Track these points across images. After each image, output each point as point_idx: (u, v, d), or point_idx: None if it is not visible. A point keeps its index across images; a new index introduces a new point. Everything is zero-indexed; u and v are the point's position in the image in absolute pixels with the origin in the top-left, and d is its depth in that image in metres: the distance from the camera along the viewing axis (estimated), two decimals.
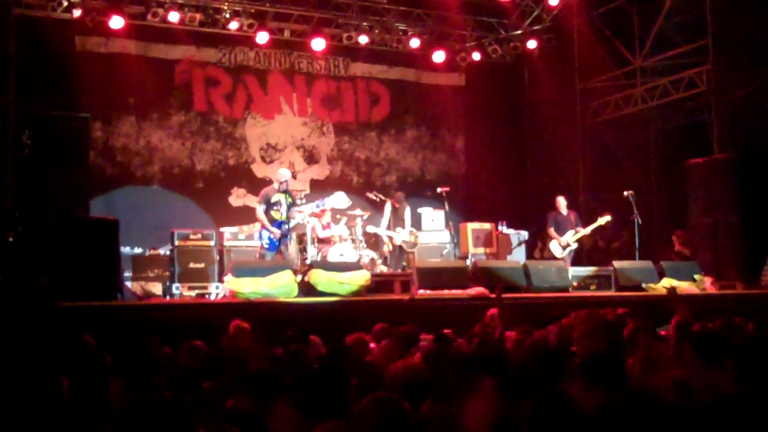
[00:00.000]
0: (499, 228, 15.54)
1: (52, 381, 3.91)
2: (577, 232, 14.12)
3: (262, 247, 12.12)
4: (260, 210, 12.03)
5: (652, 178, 16.76)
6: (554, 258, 13.85)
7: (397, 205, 14.35)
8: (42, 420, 3.72)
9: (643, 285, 12.16)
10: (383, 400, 3.32)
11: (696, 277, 12.44)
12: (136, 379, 4.94)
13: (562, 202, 14.43)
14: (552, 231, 14.24)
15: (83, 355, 5.32)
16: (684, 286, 11.96)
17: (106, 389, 4.70)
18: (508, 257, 14.95)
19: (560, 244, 14.07)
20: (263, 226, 11.99)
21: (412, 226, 14.45)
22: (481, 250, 15.03)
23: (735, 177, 13.74)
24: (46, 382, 3.89)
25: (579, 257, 14.79)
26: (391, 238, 14.25)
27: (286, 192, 12.15)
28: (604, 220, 14.15)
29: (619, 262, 12.84)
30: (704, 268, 13.00)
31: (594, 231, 14.48)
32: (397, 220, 14.25)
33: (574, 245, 14.15)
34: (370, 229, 14.00)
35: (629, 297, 11.14)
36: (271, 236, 11.90)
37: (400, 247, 14.18)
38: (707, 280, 12.55)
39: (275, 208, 11.99)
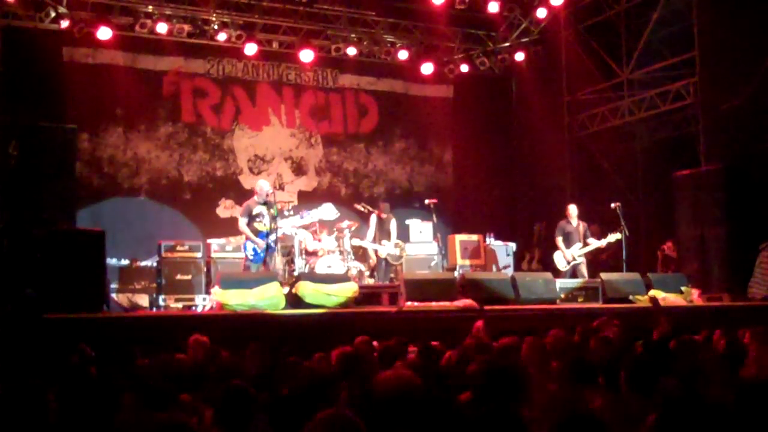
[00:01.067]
0: (487, 240, 15.54)
1: (39, 399, 3.89)
2: (585, 246, 13.64)
3: (246, 258, 12.06)
4: (242, 222, 11.98)
5: (639, 190, 16.81)
6: (546, 270, 13.70)
7: (383, 217, 14.29)
8: None
9: (631, 297, 12.17)
10: (336, 418, 3.28)
11: (683, 288, 12.45)
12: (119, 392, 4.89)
13: (573, 211, 13.80)
14: (559, 241, 13.67)
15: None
16: (671, 298, 11.98)
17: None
18: (496, 270, 14.93)
19: (565, 258, 13.58)
20: (247, 238, 11.95)
21: (399, 237, 14.43)
22: (468, 261, 15.02)
23: (722, 189, 13.77)
24: (32, 399, 3.87)
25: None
26: (375, 251, 14.19)
27: (267, 203, 12.10)
28: (614, 237, 13.47)
29: (607, 274, 12.83)
30: (691, 280, 13.02)
31: (608, 246, 13.92)
32: (382, 233, 14.19)
33: (580, 259, 13.61)
34: (355, 242, 13.91)
35: (616, 309, 11.13)
36: (256, 248, 11.85)
37: (386, 259, 14.15)
38: (694, 292, 12.56)
39: (258, 219, 11.94)
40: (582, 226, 13.81)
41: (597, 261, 15.31)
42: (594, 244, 13.67)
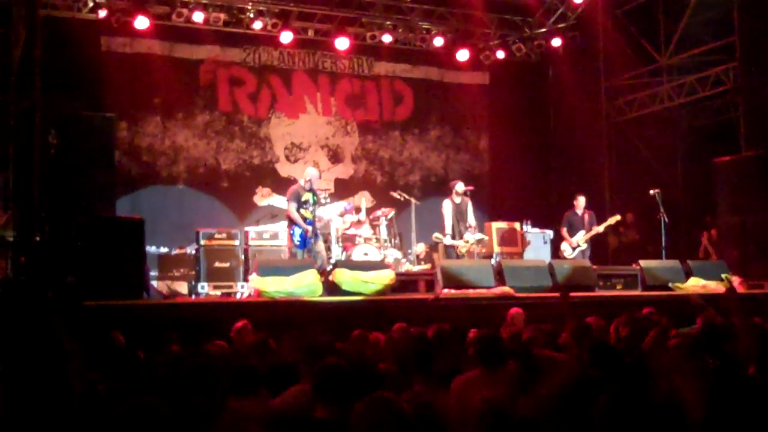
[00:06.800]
0: (524, 227, 15.43)
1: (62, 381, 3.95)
2: (589, 231, 14.03)
3: (292, 244, 12.05)
4: (292, 208, 11.92)
5: (679, 176, 16.64)
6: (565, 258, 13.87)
7: (456, 201, 13.22)
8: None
9: (670, 284, 12.05)
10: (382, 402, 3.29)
11: (723, 276, 12.30)
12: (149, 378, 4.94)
13: (580, 201, 14.27)
14: (564, 231, 14.21)
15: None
16: (712, 286, 11.85)
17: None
18: (528, 256, 14.82)
19: (570, 246, 14.07)
20: (294, 223, 11.90)
21: (436, 226, 13.49)
22: (505, 249, 14.92)
23: (763, 175, 13.55)
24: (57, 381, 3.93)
25: (603, 256, 14.74)
26: (456, 248, 13.09)
27: (312, 191, 12.12)
28: (613, 219, 14.20)
29: (646, 261, 12.71)
30: (732, 267, 12.86)
31: (607, 229, 14.38)
32: (460, 217, 13.16)
33: (584, 246, 14.05)
34: (443, 239, 13.03)
35: (656, 296, 11.04)
36: (303, 233, 11.84)
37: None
38: (735, 280, 12.40)
39: (305, 206, 11.93)
40: (587, 215, 14.19)
41: (630, 244, 15.32)
42: (593, 231, 14.09)
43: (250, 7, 15.82)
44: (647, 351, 5.90)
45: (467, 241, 13.08)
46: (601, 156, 17.30)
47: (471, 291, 11.04)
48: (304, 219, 11.89)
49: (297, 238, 11.88)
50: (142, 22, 14.82)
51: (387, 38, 16.96)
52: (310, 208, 11.95)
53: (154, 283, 13.40)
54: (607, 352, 5.29)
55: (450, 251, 13.16)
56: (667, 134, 17.06)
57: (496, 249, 14.81)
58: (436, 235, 13.28)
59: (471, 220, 13.28)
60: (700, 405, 3.84)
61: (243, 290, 12.74)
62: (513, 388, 4.81)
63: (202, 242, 13.19)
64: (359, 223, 13.88)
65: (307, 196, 11.98)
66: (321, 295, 10.43)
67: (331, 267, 11.39)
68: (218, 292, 12.88)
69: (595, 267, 12.74)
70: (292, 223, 11.96)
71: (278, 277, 10.39)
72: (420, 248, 14.70)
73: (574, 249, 14.05)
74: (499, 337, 5.76)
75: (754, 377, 4.59)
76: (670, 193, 15.19)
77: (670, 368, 5.16)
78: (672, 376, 4.93)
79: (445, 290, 11.04)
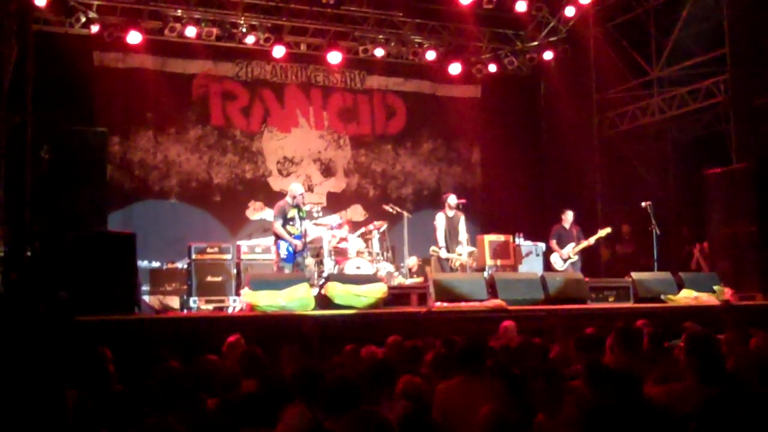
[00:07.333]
0: (516, 240, 15.45)
1: (57, 395, 3.94)
2: (578, 244, 14.11)
3: (279, 258, 12.09)
4: (278, 224, 12.03)
5: (671, 188, 16.66)
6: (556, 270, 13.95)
7: (449, 215, 13.29)
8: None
9: (662, 296, 12.06)
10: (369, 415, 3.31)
11: (715, 288, 12.32)
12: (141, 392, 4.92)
13: (568, 216, 14.38)
14: (553, 243, 14.28)
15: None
16: (703, 298, 11.87)
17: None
18: (521, 269, 14.85)
19: (561, 257, 14.13)
20: (280, 238, 11.98)
21: (432, 240, 13.47)
22: (498, 262, 14.94)
23: (754, 187, 13.59)
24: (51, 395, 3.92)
25: (596, 269, 14.76)
26: (451, 261, 13.23)
27: (298, 207, 12.15)
28: (604, 232, 14.27)
29: (638, 274, 12.73)
30: (724, 279, 12.88)
31: (598, 241, 14.52)
32: (452, 233, 13.25)
33: (575, 258, 14.13)
34: (439, 252, 13.12)
35: (648, 309, 11.05)
36: (290, 248, 11.90)
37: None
38: (727, 292, 12.42)
39: (291, 222, 12.00)
40: (575, 230, 14.32)
41: (623, 256, 15.35)
42: (584, 242, 14.17)
43: (242, 22, 15.85)
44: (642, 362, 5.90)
45: (460, 254, 13.12)
46: (592, 168, 17.36)
47: (463, 304, 11.05)
48: (291, 235, 11.96)
49: (284, 253, 11.96)
50: (134, 37, 14.84)
51: (379, 52, 17.00)
52: (297, 224, 12.01)
53: (146, 297, 13.39)
54: (602, 370, 5.26)
55: (444, 264, 13.23)
56: (658, 146, 17.10)
57: (489, 262, 14.83)
58: (433, 248, 13.33)
59: (462, 234, 13.31)
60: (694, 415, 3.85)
61: (235, 304, 12.73)
62: (499, 397, 4.77)
63: (194, 256, 13.19)
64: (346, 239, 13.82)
65: (292, 213, 12.06)
66: (313, 309, 10.42)
67: (323, 281, 11.39)
68: (210, 307, 12.86)
69: (587, 279, 12.78)
70: (278, 238, 12.03)
71: (270, 291, 10.39)
72: (412, 261, 14.74)
73: (565, 261, 14.12)
74: (483, 343, 5.73)
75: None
76: (662, 206, 15.23)
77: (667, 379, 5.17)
78: (669, 387, 4.93)
79: (438, 303, 11.04)
